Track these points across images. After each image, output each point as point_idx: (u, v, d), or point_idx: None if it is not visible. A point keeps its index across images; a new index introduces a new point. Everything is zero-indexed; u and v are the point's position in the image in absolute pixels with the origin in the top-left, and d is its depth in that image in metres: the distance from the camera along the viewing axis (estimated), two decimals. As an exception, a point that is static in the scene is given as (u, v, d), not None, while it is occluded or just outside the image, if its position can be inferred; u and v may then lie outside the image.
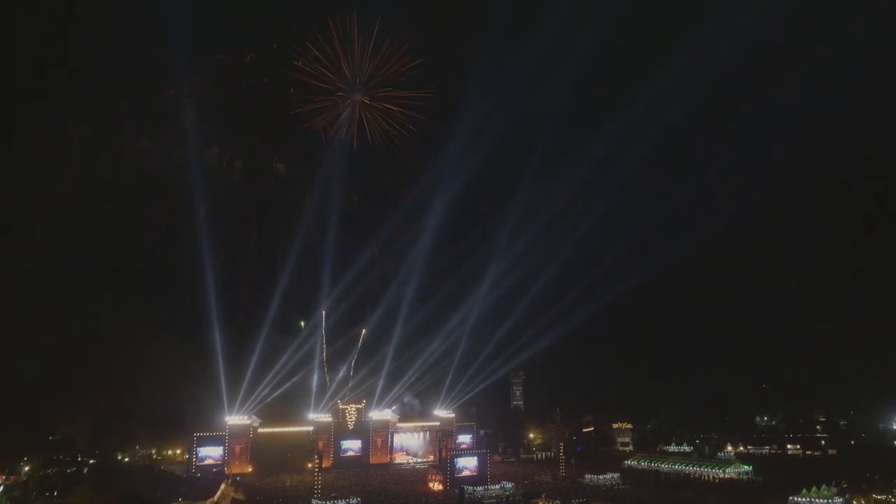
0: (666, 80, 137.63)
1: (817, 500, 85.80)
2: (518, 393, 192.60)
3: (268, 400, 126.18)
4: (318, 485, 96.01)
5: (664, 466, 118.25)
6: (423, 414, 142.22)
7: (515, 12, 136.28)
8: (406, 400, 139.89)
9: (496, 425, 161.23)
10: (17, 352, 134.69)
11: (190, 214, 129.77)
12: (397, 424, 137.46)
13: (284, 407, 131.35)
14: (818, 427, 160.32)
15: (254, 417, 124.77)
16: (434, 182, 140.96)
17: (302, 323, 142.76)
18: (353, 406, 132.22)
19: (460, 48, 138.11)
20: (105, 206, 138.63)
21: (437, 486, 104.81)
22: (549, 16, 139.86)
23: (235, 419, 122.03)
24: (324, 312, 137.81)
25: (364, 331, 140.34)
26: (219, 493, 75.05)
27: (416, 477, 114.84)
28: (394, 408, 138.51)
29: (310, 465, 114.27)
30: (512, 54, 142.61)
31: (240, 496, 75.87)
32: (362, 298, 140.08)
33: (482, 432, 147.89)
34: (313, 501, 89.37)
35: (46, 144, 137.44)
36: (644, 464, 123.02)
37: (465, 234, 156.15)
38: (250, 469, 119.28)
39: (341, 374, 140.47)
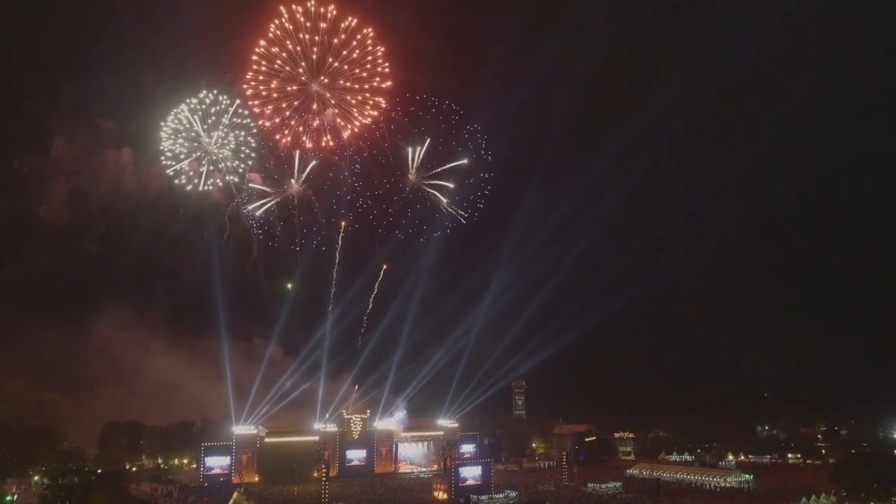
0: (664, 99, 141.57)
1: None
2: (520, 402, 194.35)
3: (274, 410, 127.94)
4: (325, 494, 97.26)
5: (666, 475, 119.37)
6: (413, 426, 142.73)
7: (521, 25, 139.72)
8: (396, 415, 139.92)
9: (499, 434, 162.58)
10: (21, 358, 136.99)
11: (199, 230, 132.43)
12: (401, 434, 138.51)
13: (290, 417, 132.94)
14: (819, 436, 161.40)
15: (260, 427, 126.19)
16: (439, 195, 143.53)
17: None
18: (358, 416, 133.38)
19: (466, 62, 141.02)
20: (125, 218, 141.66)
21: (441, 495, 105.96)
22: (553, 31, 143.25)
23: (242, 429, 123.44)
24: (328, 324, 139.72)
25: (365, 339, 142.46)
26: (231, 501, 76.51)
27: (420, 486, 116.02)
28: (398, 418, 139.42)
29: (316, 475, 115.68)
30: (516, 68, 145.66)
31: (252, 504, 77.25)
32: (368, 310, 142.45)
33: (486, 441, 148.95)
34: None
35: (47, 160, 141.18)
36: (646, 473, 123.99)
37: (468, 247, 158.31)
38: (257, 478, 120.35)
39: (346, 384, 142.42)
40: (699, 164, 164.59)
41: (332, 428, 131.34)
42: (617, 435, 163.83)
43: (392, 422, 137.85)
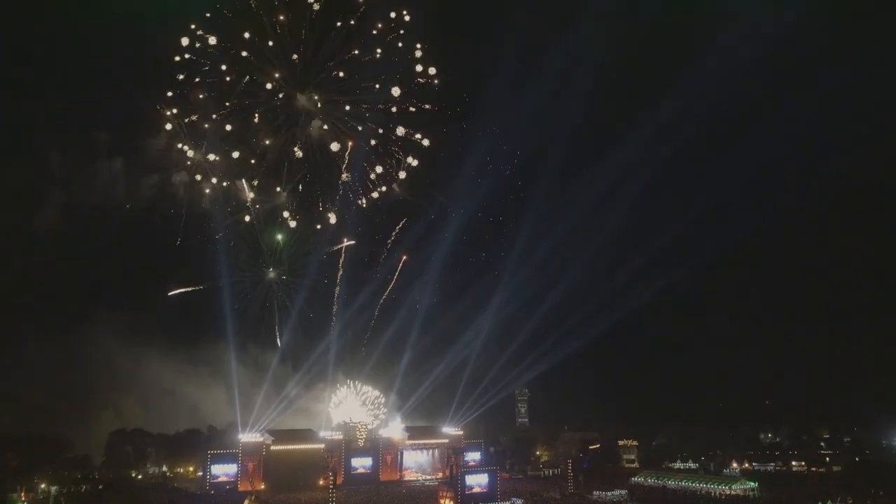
0: (664, 113, 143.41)
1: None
2: (523, 410, 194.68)
3: (280, 417, 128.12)
4: (332, 501, 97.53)
5: (671, 483, 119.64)
6: (418, 434, 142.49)
7: (526, 39, 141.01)
8: (391, 424, 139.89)
9: (503, 442, 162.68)
10: (22, 367, 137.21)
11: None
12: (406, 442, 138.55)
13: (296, 425, 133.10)
14: (822, 443, 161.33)
15: (266, 435, 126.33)
16: (443, 205, 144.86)
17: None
18: (363, 424, 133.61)
19: (469, 71, 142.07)
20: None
21: (448, 503, 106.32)
22: (555, 45, 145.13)
23: (248, 437, 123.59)
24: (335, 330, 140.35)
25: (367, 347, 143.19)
26: (242, 508, 76.88)
27: (426, 494, 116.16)
28: (394, 427, 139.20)
29: (322, 483, 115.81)
30: (521, 77, 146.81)
31: (263, 512, 77.50)
32: (374, 317, 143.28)
33: (492, 449, 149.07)
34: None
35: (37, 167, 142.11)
36: (651, 480, 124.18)
37: (473, 256, 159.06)
38: (263, 486, 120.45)
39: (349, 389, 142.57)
40: (701, 165, 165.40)
41: (337, 436, 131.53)
42: (620, 443, 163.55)
43: (397, 430, 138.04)
